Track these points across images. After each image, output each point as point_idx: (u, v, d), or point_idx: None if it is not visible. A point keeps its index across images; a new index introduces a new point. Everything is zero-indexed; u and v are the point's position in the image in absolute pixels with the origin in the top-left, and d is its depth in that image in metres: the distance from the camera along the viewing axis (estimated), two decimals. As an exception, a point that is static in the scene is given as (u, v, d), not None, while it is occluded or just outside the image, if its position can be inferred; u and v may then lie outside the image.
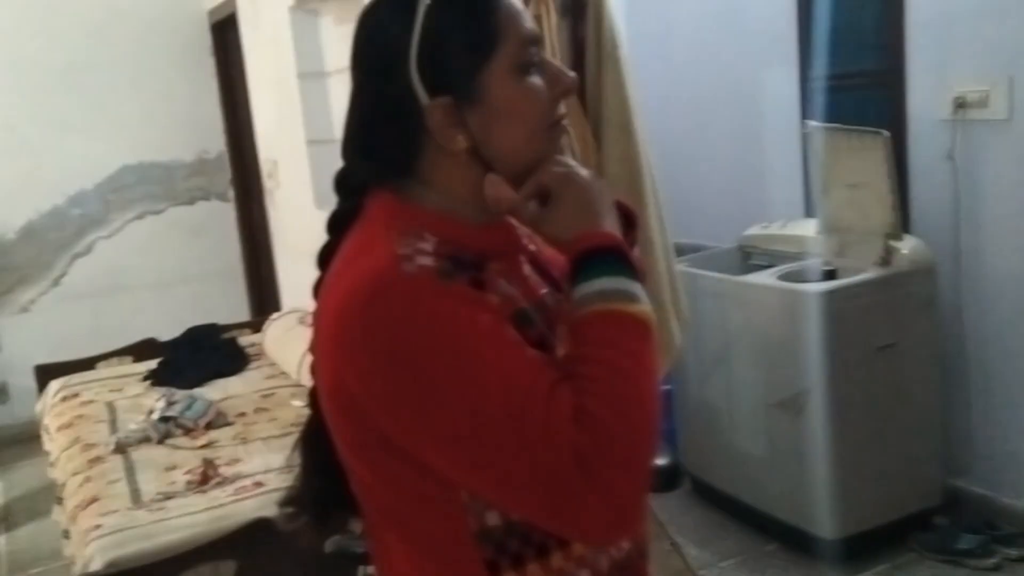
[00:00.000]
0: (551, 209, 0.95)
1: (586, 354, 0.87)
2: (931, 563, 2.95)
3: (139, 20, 5.32)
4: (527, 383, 0.85)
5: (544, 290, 1.02)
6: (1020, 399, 2.96)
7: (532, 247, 1.06)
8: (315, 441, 1.03)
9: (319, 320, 0.96)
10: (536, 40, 0.96)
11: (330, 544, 1.92)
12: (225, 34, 5.38)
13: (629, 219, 1.04)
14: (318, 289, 0.99)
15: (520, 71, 0.94)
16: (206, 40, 5.55)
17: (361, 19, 0.99)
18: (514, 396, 0.84)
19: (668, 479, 1.74)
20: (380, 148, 0.97)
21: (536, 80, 0.95)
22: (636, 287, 0.91)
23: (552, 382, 0.85)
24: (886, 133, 2.88)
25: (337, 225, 1.01)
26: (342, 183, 1.02)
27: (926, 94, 3.06)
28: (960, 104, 2.93)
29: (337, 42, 4.17)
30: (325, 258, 1.00)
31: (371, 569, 1.89)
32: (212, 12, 5.41)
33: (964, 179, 2.96)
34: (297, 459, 1.07)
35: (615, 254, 0.92)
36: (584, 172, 0.97)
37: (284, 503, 1.08)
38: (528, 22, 0.96)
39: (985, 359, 3.05)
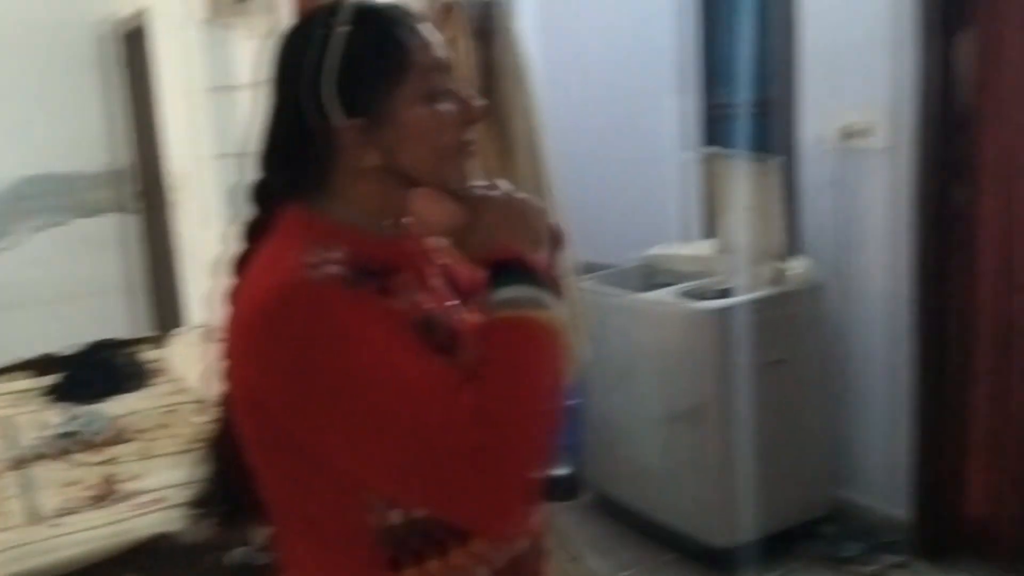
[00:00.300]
0: (469, 230, 1.01)
1: (489, 356, 0.93)
2: (818, 570, 3.10)
3: (46, 30, 5.21)
4: (426, 384, 0.91)
5: (451, 301, 1.08)
6: (899, 415, 3.13)
7: (444, 261, 1.13)
8: (225, 445, 1.06)
9: (231, 326, 1.00)
10: (446, 68, 1.02)
11: (232, 557, 1.93)
12: (135, 45, 5.31)
13: (557, 238, 1.10)
14: (232, 296, 1.03)
15: (429, 97, 1.00)
16: (115, 51, 5.47)
17: (282, 39, 1.05)
18: (413, 396, 0.90)
19: (568, 489, 1.81)
20: (294, 162, 1.02)
21: (445, 106, 1.01)
22: (543, 295, 0.97)
23: (452, 384, 0.91)
24: (778, 159, 3.04)
25: (251, 233, 1.05)
26: (257, 194, 1.06)
27: (815, 123, 3.24)
28: (846, 133, 3.11)
29: (248, 57, 4.17)
30: (240, 265, 1.04)
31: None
32: (122, 23, 5.34)
33: (849, 204, 3.15)
34: (206, 463, 1.10)
35: (523, 266, 0.98)
36: (502, 194, 1.03)
37: (192, 505, 1.10)
38: (439, 51, 1.03)
39: (868, 374, 3.23)
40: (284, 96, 1.03)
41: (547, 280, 0.99)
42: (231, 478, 1.07)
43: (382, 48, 0.99)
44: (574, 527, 3.33)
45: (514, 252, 0.99)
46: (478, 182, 1.05)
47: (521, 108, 2.35)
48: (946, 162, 2.94)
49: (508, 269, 0.98)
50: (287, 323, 0.92)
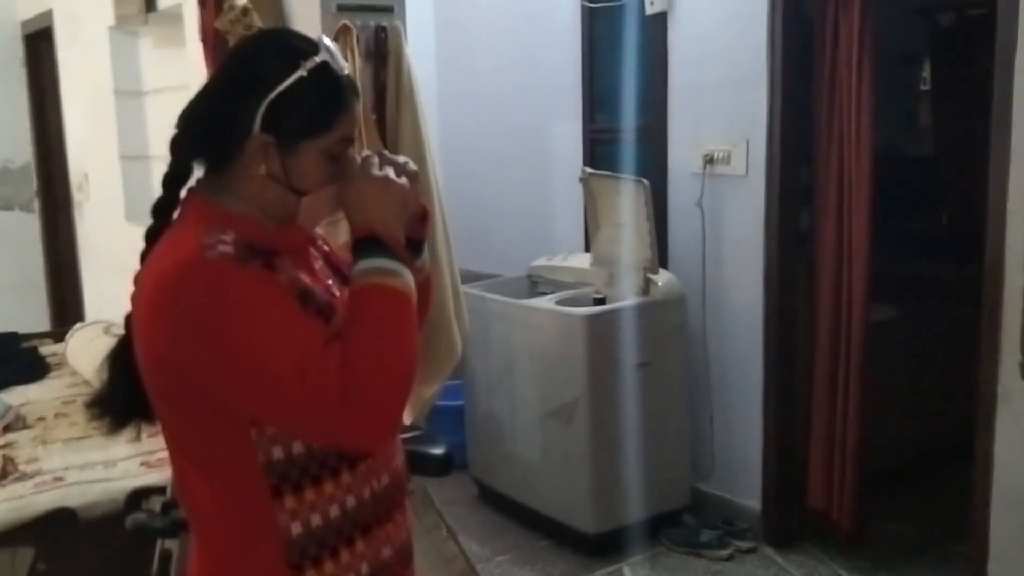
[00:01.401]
0: (347, 207, 1.24)
1: (353, 316, 1.17)
2: (677, 555, 3.40)
3: (-55, 25, 5.21)
4: (304, 339, 1.13)
5: (330, 280, 1.32)
6: (753, 415, 3.46)
7: (327, 248, 1.37)
8: (123, 359, 1.25)
9: (136, 296, 1.20)
10: (352, 140, 1.26)
11: (130, 521, 2.07)
12: (38, 45, 5.35)
13: (424, 217, 1.37)
14: (140, 272, 1.22)
15: (328, 156, 1.23)
16: (17, 50, 5.48)
17: (250, 42, 1.29)
18: (293, 349, 1.12)
19: (443, 466, 2.06)
20: (207, 145, 1.22)
21: (333, 165, 1.24)
22: (397, 266, 1.18)
23: (323, 339, 1.14)
24: (646, 181, 3.34)
25: (157, 213, 1.25)
26: (166, 179, 1.25)
27: (683, 150, 3.57)
28: (708, 160, 3.44)
29: (154, 63, 4.30)
30: (148, 240, 1.24)
31: (168, 543, 2.10)
32: (26, 23, 5.36)
33: (710, 224, 3.47)
34: (106, 374, 1.28)
35: (381, 242, 1.19)
36: (377, 176, 1.24)
37: (89, 405, 1.29)
38: (355, 126, 1.27)
39: (725, 378, 3.56)
40: (228, 88, 1.21)
41: (401, 253, 1.20)
42: (127, 386, 1.25)
43: (324, 103, 1.20)
44: (458, 519, 3.56)
45: (373, 229, 1.20)
46: (363, 157, 1.26)
47: (409, 123, 2.57)
48: (794, 189, 3.30)
49: (369, 243, 1.19)
50: (188, 296, 1.11)
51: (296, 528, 1.19)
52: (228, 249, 1.15)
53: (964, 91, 4.44)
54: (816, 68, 3.17)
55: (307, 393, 1.10)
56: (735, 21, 3.34)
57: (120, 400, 1.26)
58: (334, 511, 1.22)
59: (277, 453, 1.18)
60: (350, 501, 1.24)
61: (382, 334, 1.14)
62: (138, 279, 1.21)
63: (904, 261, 4.09)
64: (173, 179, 1.25)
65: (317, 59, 1.20)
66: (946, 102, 4.85)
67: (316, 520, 1.20)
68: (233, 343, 1.11)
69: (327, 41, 1.23)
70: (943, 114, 4.92)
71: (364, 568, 1.25)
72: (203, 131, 1.22)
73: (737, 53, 3.34)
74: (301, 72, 1.18)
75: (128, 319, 1.23)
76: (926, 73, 5.19)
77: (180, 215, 1.24)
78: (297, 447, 1.19)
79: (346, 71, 1.24)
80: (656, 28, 3.58)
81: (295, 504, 1.19)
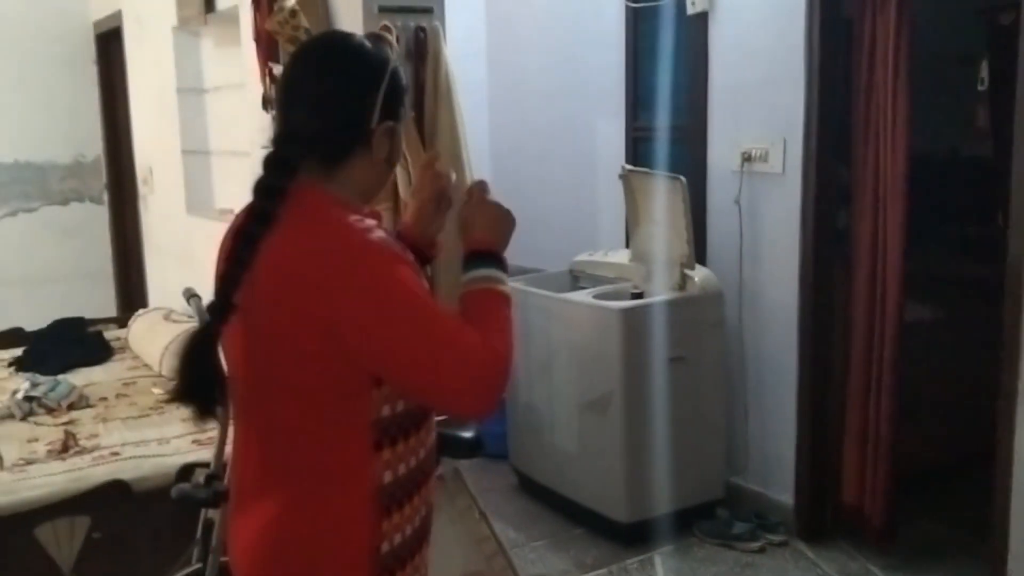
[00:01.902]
0: (463, 224, 1.48)
1: (480, 309, 1.38)
2: (709, 546, 3.45)
3: (24, 26, 5.46)
4: (445, 317, 1.31)
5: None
6: (787, 410, 3.50)
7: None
8: (203, 350, 1.34)
9: (273, 265, 1.29)
10: None
11: (175, 491, 2.21)
12: (109, 45, 5.58)
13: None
14: (268, 245, 1.30)
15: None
16: (90, 49, 5.72)
17: (339, 43, 1.44)
18: (446, 321, 1.31)
19: (473, 448, 2.17)
20: (333, 140, 1.36)
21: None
22: (505, 277, 1.43)
23: (458, 320, 1.34)
24: (683, 178, 3.40)
25: (267, 194, 1.33)
26: (277, 165, 1.33)
27: (722, 148, 3.61)
28: (747, 158, 3.49)
29: (214, 62, 4.48)
30: (264, 219, 1.31)
31: (211, 513, 2.24)
32: (98, 24, 5.60)
33: (747, 221, 3.52)
34: (185, 365, 1.35)
35: (496, 256, 1.44)
36: (484, 201, 1.49)
37: (172, 398, 1.37)
38: None
39: (760, 374, 3.60)
40: (345, 90, 1.37)
41: (506, 267, 1.45)
42: (208, 376, 1.33)
43: (403, 87, 1.43)
44: (496, 507, 3.64)
45: (492, 246, 1.44)
46: (475, 182, 1.53)
47: (446, 122, 2.68)
48: (831, 188, 3.33)
49: (487, 255, 1.43)
50: (368, 265, 1.28)
51: (387, 477, 1.35)
52: (382, 233, 1.33)
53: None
54: (853, 68, 3.19)
55: (456, 360, 1.28)
56: (774, 21, 3.38)
57: (203, 389, 1.35)
58: (412, 463, 1.39)
59: (386, 411, 1.35)
60: (421, 454, 1.42)
61: (504, 328, 1.37)
62: (271, 257, 1.30)
63: (957, 262, 4.06)
64: (285, 166, 1.34)
65: (392, 49, 1.44)
66: (1004, 102, 4.79)
67: (401, 470, 1.37)
68: (400, 315, 1.28)
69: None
70: (1000, 114, 4.86)
71: (422, 511, 1.44)
72: (330, 129, 1.37)
73: (776, 53, 3.38)
74: (395, 62, 1.40)
75: (217, 307, 1.32)
76: (984, 73, 5.12)
77: (297, 201, 1.33)
78: (399, 406, 1.36)
79: None
80: (697, 28, 3.63)
81: (390, 455, 1.35)
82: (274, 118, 1.51)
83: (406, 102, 1.45)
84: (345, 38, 1.46)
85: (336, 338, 1.28)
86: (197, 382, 1.34)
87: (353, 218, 1.33)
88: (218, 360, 1.35)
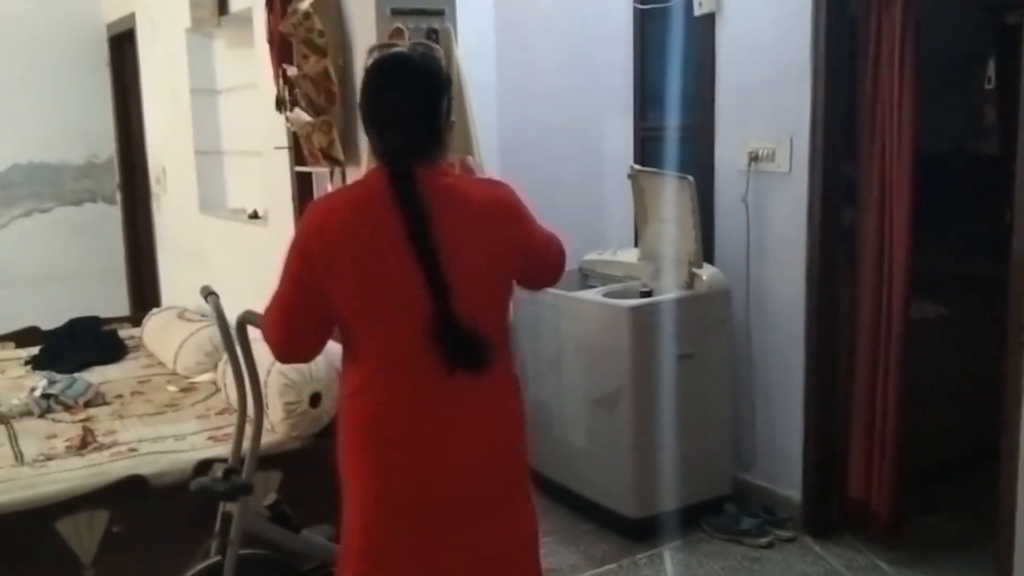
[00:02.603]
0: None
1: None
2: (717, 541, 3.48)
3: (37, 27, 5.51)
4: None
5: None
6: (794, 407, 3.53)
7: None
8: (449, 319, 1.75)
9: (468, 210, 1.81)
10: None
11: (194, 485, 2.27)
12: (122, 46, 5.64)
13: None
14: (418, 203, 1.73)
15: None
16: (103, 51, 5.78)
17: (427, 63, 1.84)
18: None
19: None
20: (435, 135, 1.80)
21: None
22: None
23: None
24: (690, 177, 3.43)
25: (405, 176, 1.74)
26: (407, 150, 1.76)
27: (729, 147, 3.65)
28: (754, 157, 3.52)
29: (227, 63, 4.52)
30: (411, 188, 1.74)
31: (229, 507, 2.28)
32: (111, 25, 5.66)
33: (754, 220, 3.55)
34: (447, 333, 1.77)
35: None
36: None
37: (443, 356, 1.80)
38: None
39: (767, 371, 3.63)
40: (435, 97, 1.79)
41: None
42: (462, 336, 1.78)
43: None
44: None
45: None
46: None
47: (460, 124, 2.72)
48: (837, 186, 3.36)
49: None
50: (521, 202, 1.92)
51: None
52: None
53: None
54: (860, 67, 3.22)
55: (563, 256, 2.06)
56: (780, 21, 3.41)
57: (466, 350, 1.79)
58: None
59: None
60: None
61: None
62: (449, 208, 1.77)
63: (964, 259, 4.08)
64: (412, 152, 1.78)
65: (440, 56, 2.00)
66: (1011, 101, 4.81)
67: None
68: (540, 231, 1.98)
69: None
70: (1008, 113, 4.88)
71: None
72: (433, 130, 1.79)
73: (782, 52, 3.41)
74: (446, 69, 1.89)
75: (439, 280, 1.74)
76: (991, 72, 5.14)
77: (437, 169, 1.83)
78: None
79: None
80: (704, 28, 3.66)
81: None
82: (365, 131, 1.86)
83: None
84: (410, 52, 1.93)
85: (523, 250, 1.94)
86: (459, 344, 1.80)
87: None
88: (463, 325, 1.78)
